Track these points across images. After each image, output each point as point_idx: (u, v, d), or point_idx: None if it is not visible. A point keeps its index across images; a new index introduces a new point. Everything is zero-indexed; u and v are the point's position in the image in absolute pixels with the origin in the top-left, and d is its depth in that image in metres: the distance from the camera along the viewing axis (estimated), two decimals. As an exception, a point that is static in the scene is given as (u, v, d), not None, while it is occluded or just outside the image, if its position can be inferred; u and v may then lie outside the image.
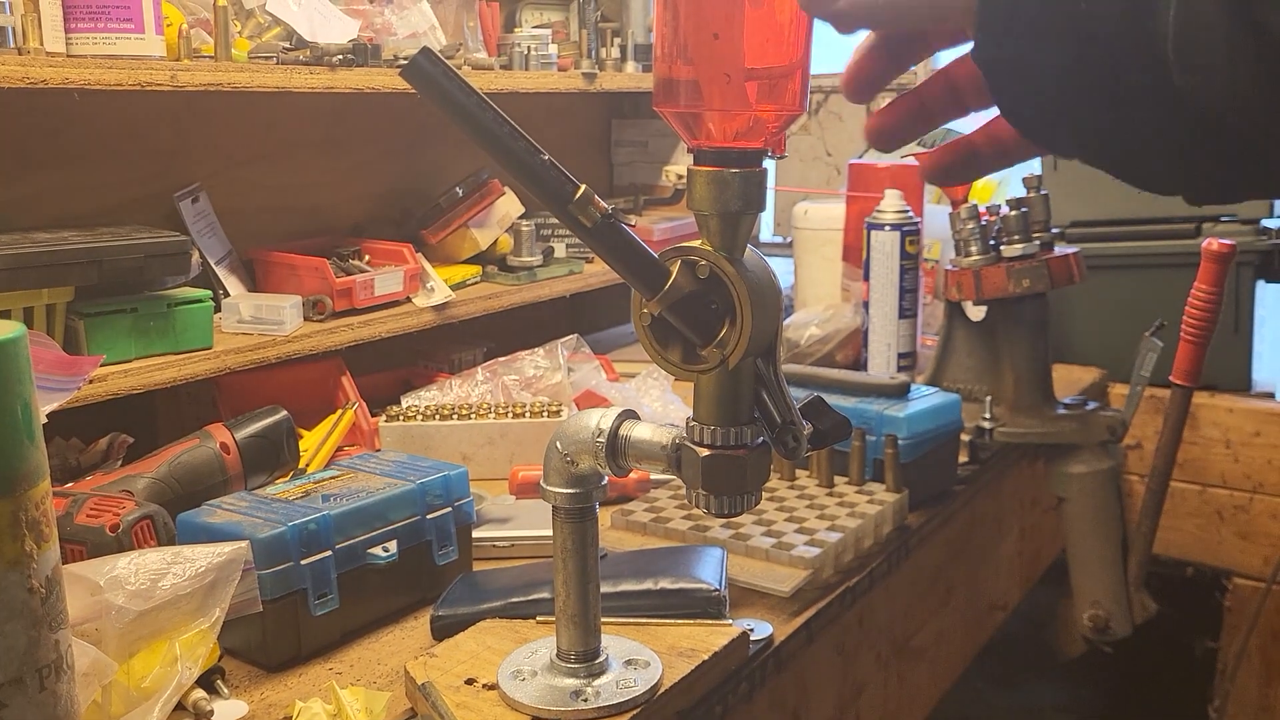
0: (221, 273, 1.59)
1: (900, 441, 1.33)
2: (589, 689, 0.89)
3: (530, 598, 1.03)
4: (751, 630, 1.03)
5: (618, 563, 1.08)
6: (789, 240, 2.49)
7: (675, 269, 0.78)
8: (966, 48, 0.53)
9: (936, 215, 1.96)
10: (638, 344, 0.85)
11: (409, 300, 1.68)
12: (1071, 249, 1.66)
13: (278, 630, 0.99)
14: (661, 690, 0.90)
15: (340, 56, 1.52)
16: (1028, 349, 1.66)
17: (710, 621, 1.01)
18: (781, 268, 2.47)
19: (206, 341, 1.39)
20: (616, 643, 0.95)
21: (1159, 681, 2.10)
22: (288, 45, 1.52)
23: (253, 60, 1.47)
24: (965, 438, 1.56)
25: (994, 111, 0.55)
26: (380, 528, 1.07)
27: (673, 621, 1.00)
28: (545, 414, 1.52)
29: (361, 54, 1.54)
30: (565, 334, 1.76)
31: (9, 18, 1.22)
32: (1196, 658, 2.08)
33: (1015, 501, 1.82)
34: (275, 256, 1.62)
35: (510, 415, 1.52)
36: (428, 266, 1.74)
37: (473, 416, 1.52)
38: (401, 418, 1.52)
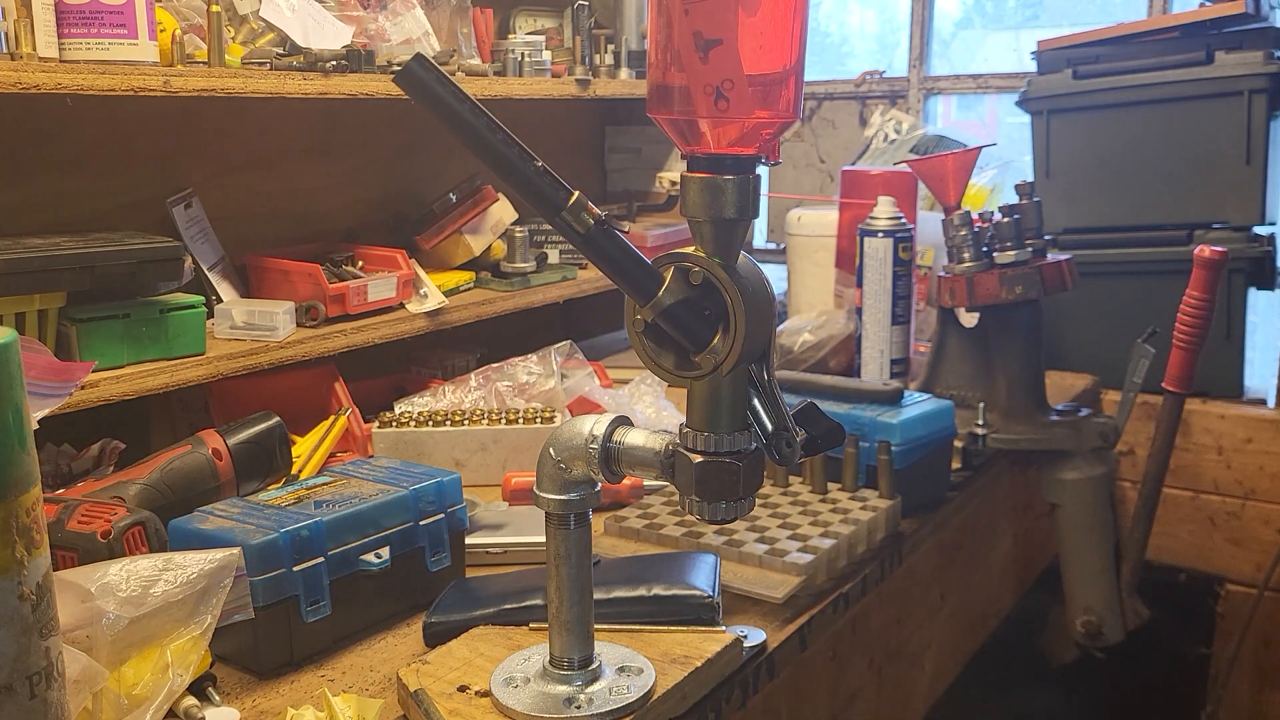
0: (214, 278, 1.58)
1: (893, 448, 1.33)
2: (582, 696, 0.89)
3: (523, 604, 1.03)
4: (745, 637, 1.03)
5: (611, 569, 1.08)
6: (782, 246, 2.49)
7: (669, 275, 0.79)
8: None
9: (930, 222, 1.96)
10: (631, 350, 0.85)
11: (402, 306, 1.68)
12: (1064, 256, 1.66)
13: (270, 637, 0.99)
14: (654, 697, 0.90)
15: (334, 62, 1.52)
16: (1020, 355, 1.67)
17: (703, 628, 1.01)
18: (774, 274, 2.48)
19: (199, 347, 1.39)
20: (609, 649, 0.95)
21: (1152, 687, 2.10)
22: (281, 51, 1.52)
23: (246, 66, 1.47)
24: (958, 444, 1.56)
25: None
26: (373, 534, 1.07)
27: (666, 628, 1.00)
28: (538, 420, 1.52)
29: (355, 60, 1.55)
30: (559, 340, 1.76)
31: (2, 23, 1.22)
32: (1189, 663, 2.08)
33: (1008, 508, 1.82)
34: (268, 262, 1.62)
35: (503, 421, 1.52)
36: (421, 272, 1.74)
37: (466, 423, 1.52)
38: (394, 424, 1.52)
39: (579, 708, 0.87)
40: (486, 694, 0.90)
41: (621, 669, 0.92)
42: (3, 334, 0.68)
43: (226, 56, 1.43)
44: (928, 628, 1.52)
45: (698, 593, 1.02)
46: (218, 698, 0.95)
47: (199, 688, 0.94)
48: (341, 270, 1.64)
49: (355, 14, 1.64)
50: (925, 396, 1.45)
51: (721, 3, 0.72)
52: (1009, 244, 1.63)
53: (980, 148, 1.73)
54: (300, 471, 1.40)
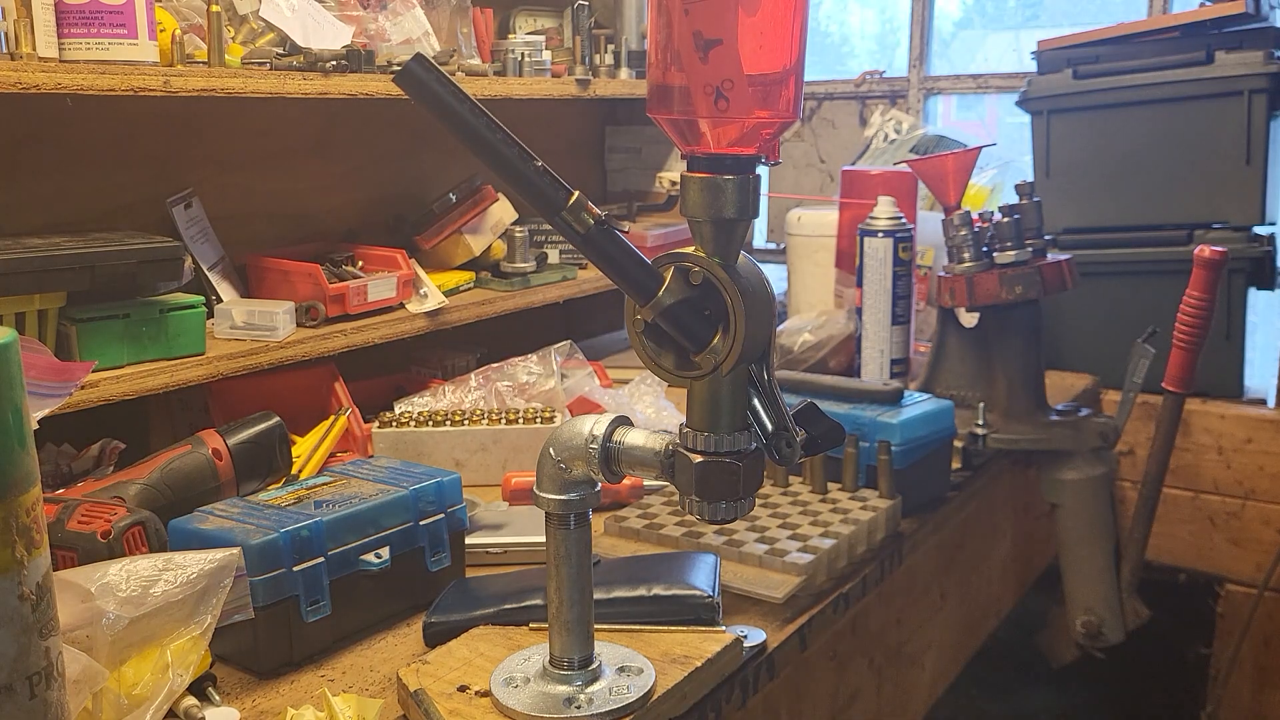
0: (214, 278, 1.58)
1: (893, 448, 1.33)
2: (581, 696, 0.88)
3: (523, 604, 1.03)
4: (745, 637, 1.03)
5: (611, 569, 1.08)
6: (782, 246, 2.49)
7: (669, 275, 0.79)
8: None
9: (930, 222, 1.96)
10: (631, 350, 0.85)
11: (402, 306, 1.68)
12: (1064, 256, 1.66)
13: (270, 637, 0.99)
14: (654, 697, 0.90)
15: (334, 62, 1.52)
16: (1020, 355, 1.67)
17: (703, 628, 1.00)
18: (774, 274, 2.48)
19: (199, 347, 1.39)
20: (609, 649, 0.95)
21: (1152, 687, 2.10)
22: (281, 51, 1.52)
23: (246, 66, 1.47)
24: (958, 444, 1.56)
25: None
26: (373, 534, 1.07)
27: (666, 628, 1.00)
28: (538, 420, 1.52)
29: (355, 60, 1.55)
30: (559, 340, 1.76)
31: (2, 23, 1.22)
32: (1189, 664, 2.08)
33: (1008, 508, 1.82)
34: (268, 262, 1.62)
35: (503, 421, 1.52)
36: (421, 272, 1.74)
37: (466, 423, 1.52)
38: (394, 424, 1.52)
39: (579, 708, 0.87)
40: (486, 694, 0.90)
41: (621, 669, 0.92)
42: (3, 334, 0.68)
43: (226, 56, 1.43)
44: (928, 628, 1.52)
45: (698, 593, 1.02)
46: (218, 698, 0.95)
47: (199, 688, 0.94)
48: (341, 270, 1.64)
49: (355, 14, 1.64)
50: (925, 396, 1.45)
51: (721, 3, 0.72)
52: (1009, 244, 1.63)
53: (980, 148, 1.73)
54: (300, 471, 1.40)
